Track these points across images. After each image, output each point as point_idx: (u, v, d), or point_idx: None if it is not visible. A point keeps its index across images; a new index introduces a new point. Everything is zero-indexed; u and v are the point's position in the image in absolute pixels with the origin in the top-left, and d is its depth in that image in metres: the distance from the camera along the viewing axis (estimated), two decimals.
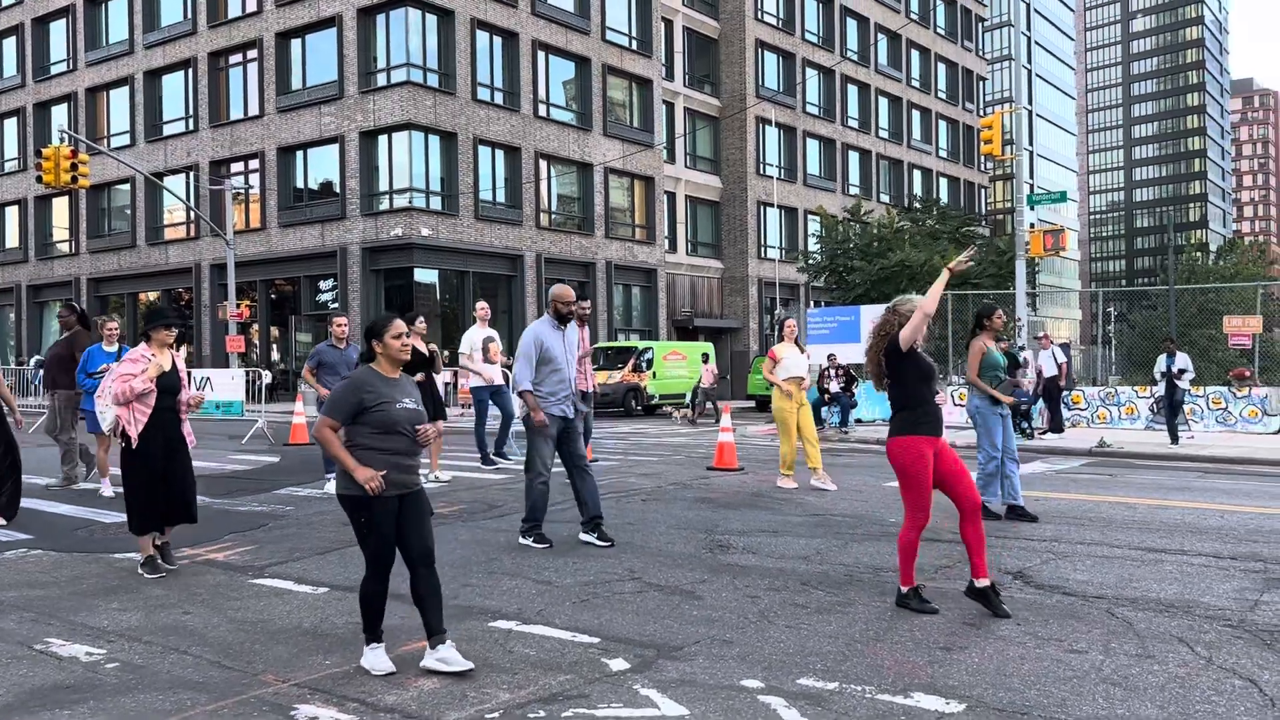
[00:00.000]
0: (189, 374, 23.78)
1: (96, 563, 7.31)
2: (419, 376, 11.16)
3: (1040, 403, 19.47)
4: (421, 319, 11.72)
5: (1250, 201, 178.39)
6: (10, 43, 43.11)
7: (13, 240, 43.26)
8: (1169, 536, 8.14)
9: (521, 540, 7.85)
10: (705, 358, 28.25)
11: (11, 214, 43.26)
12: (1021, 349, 20.73)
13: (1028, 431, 18.45)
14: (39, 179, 24.94)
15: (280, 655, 5.04)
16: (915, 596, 5.84)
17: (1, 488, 8.96)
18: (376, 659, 4.80)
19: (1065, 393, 19.77)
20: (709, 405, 25.36)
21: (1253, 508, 9.87)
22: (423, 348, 11.65)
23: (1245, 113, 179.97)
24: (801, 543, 7.86)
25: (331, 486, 10.80)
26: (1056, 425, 18.69)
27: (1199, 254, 56.66)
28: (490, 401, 13.51)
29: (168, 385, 6.93)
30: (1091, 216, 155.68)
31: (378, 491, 4.70)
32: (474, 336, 13.33)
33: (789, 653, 5.00)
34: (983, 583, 5.74)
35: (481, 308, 13.80)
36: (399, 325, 4.89)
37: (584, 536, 7.96)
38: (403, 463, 4.86)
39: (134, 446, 6.81)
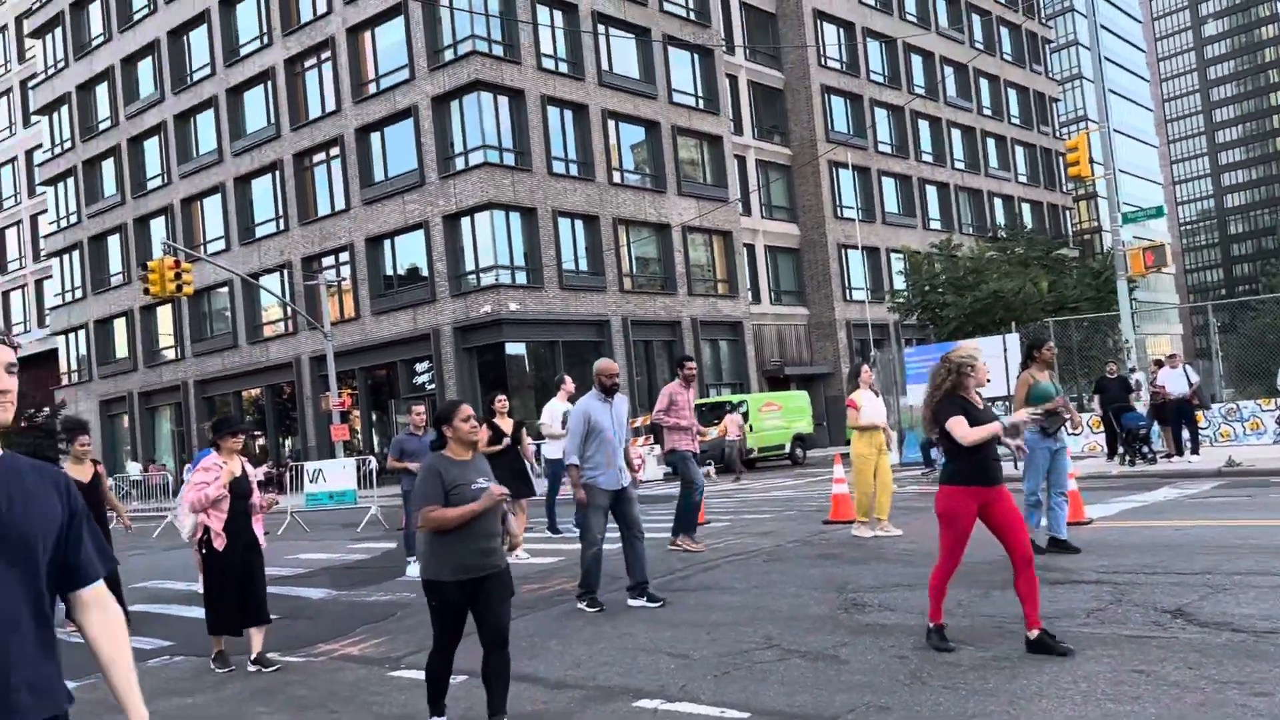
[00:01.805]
0: (294, 468, 24.11)
1: (238, 667, 7.39)
2: (500, 446, 11.47)
3: (1156, 425, 18.63)
4: (503, 397, 12.04)
5: None
6: (109, 164, 45.40)
7: (122, 350, 45.11)
8: None
9: (578, 604, 8.20)
10: (729, 408, 27.31)
11: (119, 325, 45.17)
12: (1133, 370, 20.07)
13: (1148, 456, 17.73)
14: (145, 290, 26.01)
15: None
16: (938, 634, 6.00)
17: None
18: None
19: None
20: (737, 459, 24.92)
21: None
22: (506, 425, 11.91)
23: None
24: None
25: (414, 570, 10.94)
26: (1193, 448, 17.77)
27: None
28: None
29: (239, 490, 7.21)
30: (1183, 228, 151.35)
31: (501, 497, 4.86)
32: (555, 409, 13.49)
33: (950, 715, 4.80)
34: (1034, 633, 5.74)
35: (567, 382, 13.93)
36: (466, 409, 5.09)
37: (632, 602, 8.19)
38: (482, 545, 4.95)
39: (219, 550, 7.08)
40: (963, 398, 5.97)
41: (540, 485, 14.18)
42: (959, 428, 5.83)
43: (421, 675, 6.51)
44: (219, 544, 7.06)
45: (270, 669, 7.06)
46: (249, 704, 6.27)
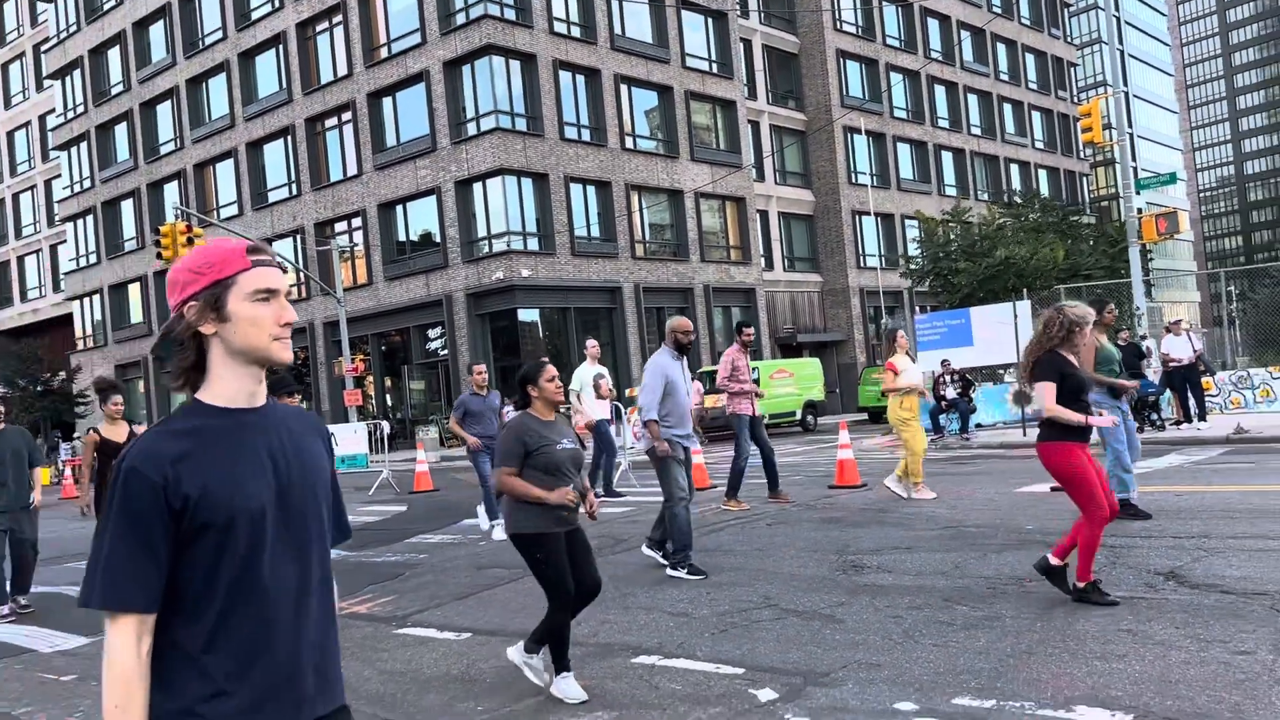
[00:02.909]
0: None
1: None
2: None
3: (1168, 393, 18.67)
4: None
5: None
6: (122, 128, 45.46)
7: (136, 315, 45.38)
8: None
9: (671, 573, 7.78)
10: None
11: (134, 290, 45.40)
12: (1143, 338, 20.03)
13: (1157, 423, 17.76)
14: (159, 255, 26.15)
15: (433, 704, 5.15)
16: (1095, 589, 5.93)
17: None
18: (569, 687, 4.97)
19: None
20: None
21: None
22: None
23: None
24: (938, 557, 7.70)
25: (498, 533, 10.93)
26: (1200, 414, 17.80)
27: None
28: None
29: None
30: (1202, 194, 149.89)
31: (574, 501, 4.88)
32: (584, 374, 13.63)
33: (939, 672, 4.91)
34: (1081, 584, 5.99)
35: (592, 345, 14.18)
36: (551, 370, 5.19)
37: (646, 550, 8.40)
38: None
39: None
40: (1064, 357, 6.10)
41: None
42: (1047, 397, 6.00)
43: (428, 632, 6.70)
44: None
45: None
46: None
